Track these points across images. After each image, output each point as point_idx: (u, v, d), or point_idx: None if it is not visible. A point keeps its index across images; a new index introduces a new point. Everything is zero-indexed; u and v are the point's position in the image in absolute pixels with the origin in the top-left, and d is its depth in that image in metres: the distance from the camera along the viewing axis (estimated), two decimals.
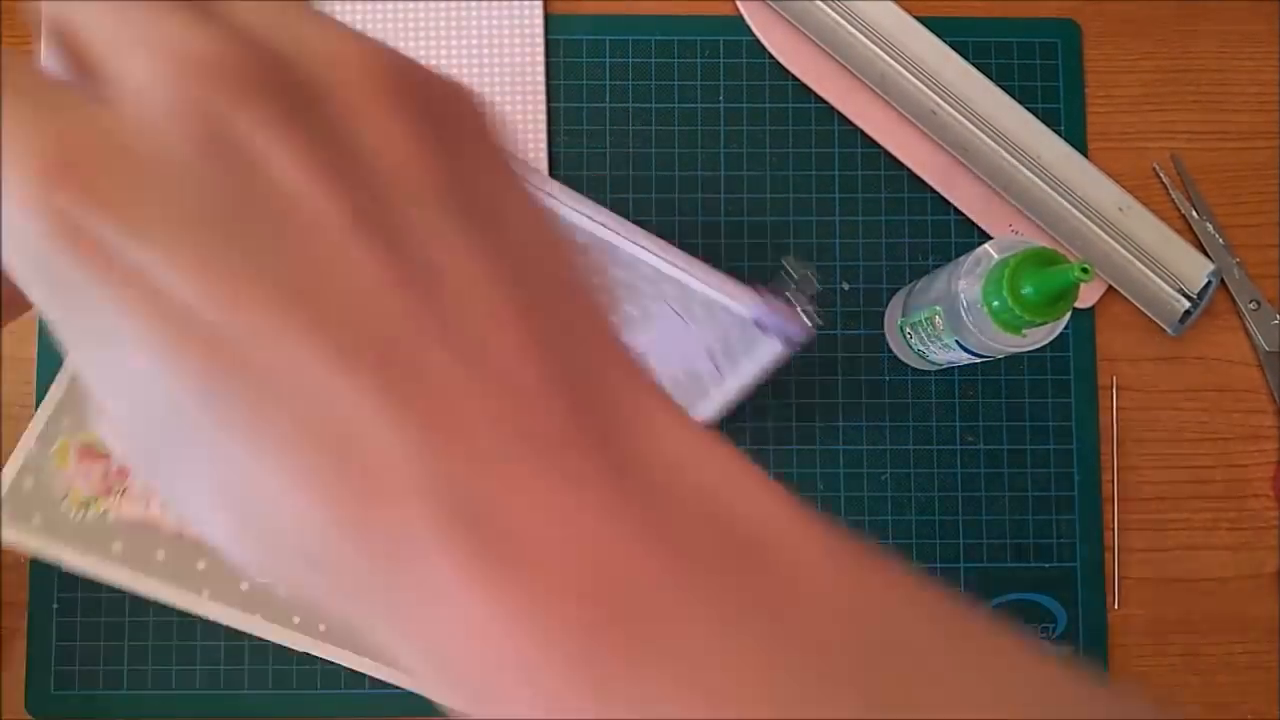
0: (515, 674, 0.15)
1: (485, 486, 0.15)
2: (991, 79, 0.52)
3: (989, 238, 0.52)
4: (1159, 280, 0.51)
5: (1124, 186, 0.51)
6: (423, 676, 0.17)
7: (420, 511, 0.15)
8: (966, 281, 0.42)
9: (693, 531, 0.16)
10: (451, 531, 0.15)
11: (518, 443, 0.16)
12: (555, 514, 0.15)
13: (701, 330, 0.42)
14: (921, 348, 0.47)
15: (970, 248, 0.52)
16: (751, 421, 0.51)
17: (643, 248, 0.40)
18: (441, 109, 0.17)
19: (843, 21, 0.52)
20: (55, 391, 0.48)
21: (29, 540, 0.47)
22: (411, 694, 0.49)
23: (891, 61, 0.52)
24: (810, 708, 0.15)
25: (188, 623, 0.48)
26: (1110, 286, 0.51)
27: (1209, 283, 0.51)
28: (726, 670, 0.15)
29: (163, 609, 0.49)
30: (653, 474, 0.17)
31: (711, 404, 0.43)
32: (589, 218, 0.41)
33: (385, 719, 0.49)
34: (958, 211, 0.52)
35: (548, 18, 0.51)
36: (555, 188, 0.41)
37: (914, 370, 0.51)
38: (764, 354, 0.41)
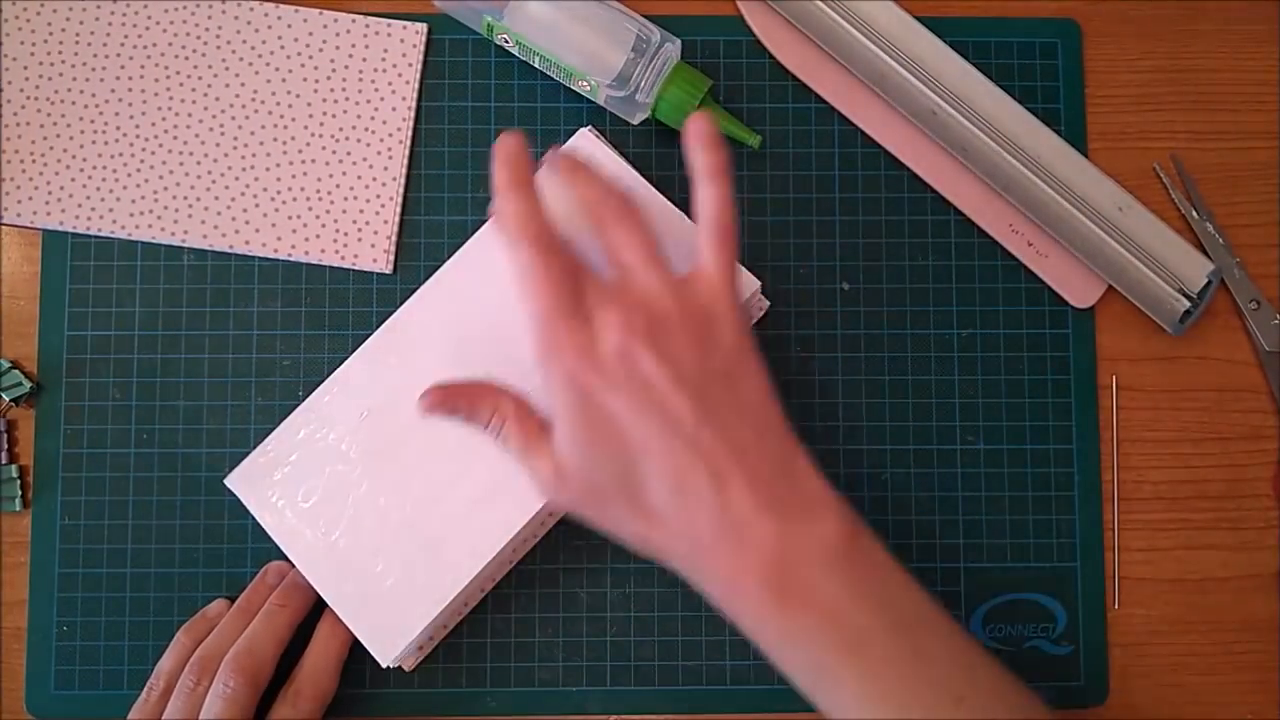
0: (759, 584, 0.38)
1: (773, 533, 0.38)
2: (991, 79, 0.52)
3: (989, 238, 0.52)
4: (1159, 280, 0.51)
5: (1124, 186, 0.51)
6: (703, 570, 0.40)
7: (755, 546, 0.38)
8: None
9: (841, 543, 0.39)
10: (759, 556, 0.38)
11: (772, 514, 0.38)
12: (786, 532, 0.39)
13: None
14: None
15: (970, 248, 0.52)
16: None
17: None
18: (714, 334, 0.40)
19: (842, 21, 0.52)
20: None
21: None
22: (403, 694, 0.49)
23: (891, 61, 0.52)
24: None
25: (186, 622, 0.48)
26: (1110, 286, 0.51)
27: (1209, 282, 0.51)
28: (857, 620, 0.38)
29: (163, 609, 0.49)
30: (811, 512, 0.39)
31: None
32: None
33: (384, 719, 0.49)
34: (958, 211, 0.52)
35: None
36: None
37: (915, 371, 0.51)
38: None
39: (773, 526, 0.38)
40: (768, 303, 0.51)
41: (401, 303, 0.47)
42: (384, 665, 0.44)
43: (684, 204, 0.49)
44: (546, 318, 0.39)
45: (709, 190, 0.41)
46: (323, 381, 0.47)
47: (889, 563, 0.40)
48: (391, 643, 0.44)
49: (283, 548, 0.45)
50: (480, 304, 0.47)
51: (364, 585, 0.45)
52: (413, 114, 0.52)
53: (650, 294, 0.40)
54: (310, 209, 0.51)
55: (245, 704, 0.44)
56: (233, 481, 0.46)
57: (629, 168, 0.48)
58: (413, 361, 0.46)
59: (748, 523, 0.38)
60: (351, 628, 0.45)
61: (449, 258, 0.50)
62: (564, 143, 0.49)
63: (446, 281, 0.47)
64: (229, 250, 0.51)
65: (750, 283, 0.47)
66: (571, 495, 0.40)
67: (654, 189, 0.47)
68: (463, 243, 0.50)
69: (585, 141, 0.49)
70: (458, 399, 0.42)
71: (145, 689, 0.46)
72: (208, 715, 0.44)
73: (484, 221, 0.52)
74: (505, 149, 0.41)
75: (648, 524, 0.39)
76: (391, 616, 0.44)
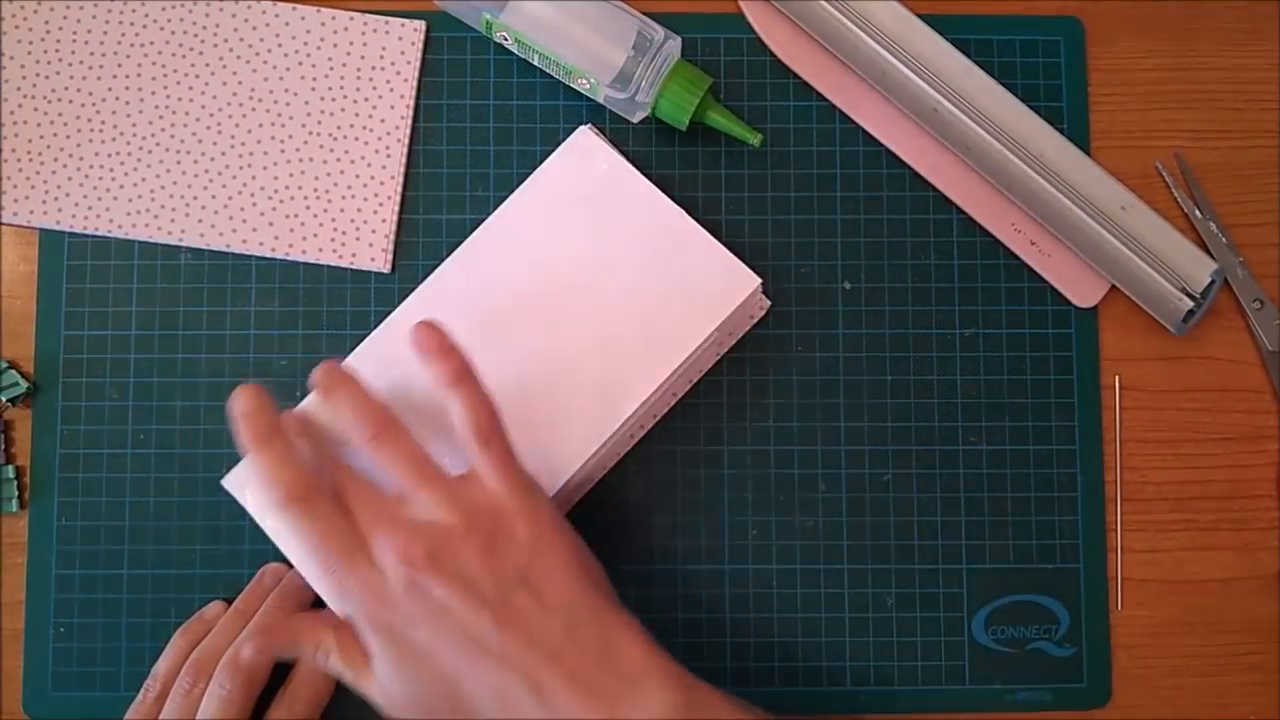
0: None
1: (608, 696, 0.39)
2: (994, 77, 0.51)
3: (991, 237, 0.52)
4: (1162, 280, 0.51)
5: (1127, 185, 0.51)
6: None
7: None
8: None
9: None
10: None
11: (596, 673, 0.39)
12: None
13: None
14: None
15: (973, 247, 0.52)
16: (752, 422, 0.50)
17: None
18: (503, 535, 0.41)
19: (844, 19, 0.52)
20: None
21: None
22: None
23: (893, 60, 0.51)
24: None
25: (183, 624, 0.48)
26: (1113, 286, 0.51)
27: (1212, 282, 0.50)
28: None
29: (160, 610, 0.49)
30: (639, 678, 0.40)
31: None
32: None
33: None
34: (960, 210, 0.52)
35: None
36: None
37: (917, 370, 0.51)
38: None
39: (610, 705, 0.38)
40: (769, 302, 0.51)
41: (400, 301, 0.47)
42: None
43: (685, 204, 0.49)
44: (330, 572, 0.40)
45: (453, 400, 0.42)
46: None
47: (727, 709, 0.41)
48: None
49: (282, 549, 0.45)
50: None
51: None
52: (411, 112, 0.52)
53: (427, 514, 0.41)
54: (308, 208, 0.51)
55: (241, 706, 0.44)
56: (230, 483, 0.46)
57: (628, 165, 0.48)
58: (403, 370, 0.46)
59: (586, 703, 0.38)
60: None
61: (447, 257, 0.50)
62: (564, 140, 0.48)
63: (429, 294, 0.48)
64: (226, 249, 0.51)
65: (750, 280, 0.47)
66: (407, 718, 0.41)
67: (653, 186, 0.47)
68: (461, 241, 0.49)
69: (584, 139, 0.48)
70: (277, 638, 0.43)
71: (141, 691, 0.46)
72: (204, 717, 0.44)
73: (483, 221, 0.52)
74: (241, 405, 0.42)
75: None
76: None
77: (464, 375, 0.42)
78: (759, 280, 0.47)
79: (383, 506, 0.41)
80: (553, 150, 0.48)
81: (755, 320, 0.51)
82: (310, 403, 0.44)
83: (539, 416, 0.46)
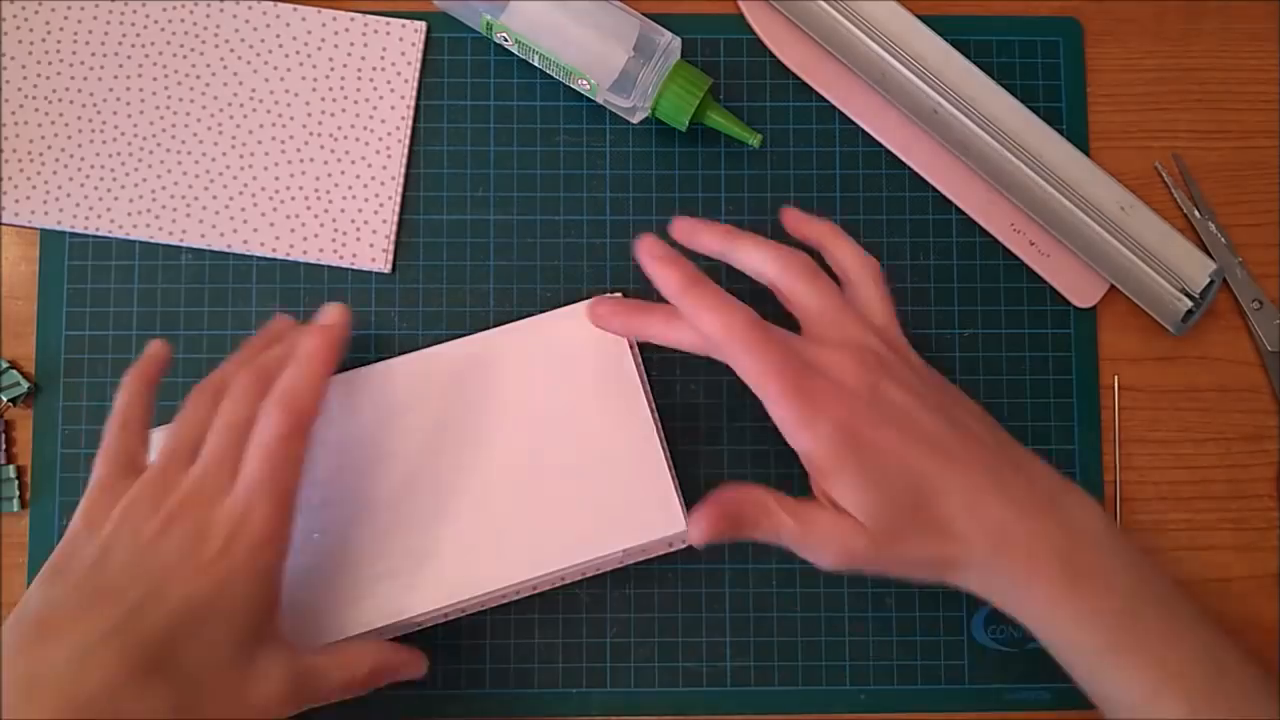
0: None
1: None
2: (993, 77, 0.51)
3: (991, 237, 0.52)
4: (1161, 280, 0.51)
5: (1126, 185, 0.51)
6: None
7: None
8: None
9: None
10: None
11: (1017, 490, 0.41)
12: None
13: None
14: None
15: (972, 247, 0.52)
16: (753, 421, 0.51)
17: None
18: (911, 357, 0.44)
19: (844, 20, 0.52)
20: None
21: None
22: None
23: (892, 60, 0.52)
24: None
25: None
26: (1112, 286, 0.51)
27: (1211, 282, 0.51)
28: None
29: None
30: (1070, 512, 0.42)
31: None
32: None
33: None
34: (959, 210, 0.52)
35: None
36: None
37: None
38: None
39: (1045, 514, 0.40)
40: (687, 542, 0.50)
41: (401, 301, 0.47)
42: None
43: (685, 205, 0.49)
44: (794, 384, 0.40)
45: (841, 247, 0.46)
46: None
47: (1131, 539, 0.43)
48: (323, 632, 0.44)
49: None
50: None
51: (340, 577, 0.45)
52: (411, 113, 0.52)
53: (861, 335, 0.42)
54: (309, 208, 0.51)
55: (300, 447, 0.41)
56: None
57: (630, 355, 0.48)
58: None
59: (1029, 513, 0.40)
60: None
61: (448, 257, 0.50)
62: (564, 137, 0.48)
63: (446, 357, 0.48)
64: (227, 250, 0.51)
65: (678, 523, 0.46)
66: (873, 543, 0.40)
67: (640, 384, 0.48)
68: (462, 241, 0.50)
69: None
70: (725, 519, 0.41)
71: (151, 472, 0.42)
72: (251, 468, 0.41)
73: (484, 221, 0.52)
74: (653, 247, 0.43)
75: (945, 542, 0.40)
76: (367, 608, 0.45)
77: (838, 231, 0.47)
78: (684, 528, 0.46)
79: (816, 336, 0.42)
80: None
81: (673, 549, 0.49)
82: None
83: (426, 540, 0.46)
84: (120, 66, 0.52)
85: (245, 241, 0.51)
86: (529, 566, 0.46)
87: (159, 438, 0.44)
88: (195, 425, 0.42)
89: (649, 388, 0.48)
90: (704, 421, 0.51)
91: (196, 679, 0.38)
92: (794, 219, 0.47)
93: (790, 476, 0.50)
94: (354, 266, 0.51)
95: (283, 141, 0.51)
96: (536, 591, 0.48)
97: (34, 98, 0.51)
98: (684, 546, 0.48)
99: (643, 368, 0.48)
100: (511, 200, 0.52)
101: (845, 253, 0.45)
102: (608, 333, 0.47)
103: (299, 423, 0.41)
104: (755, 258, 0.44)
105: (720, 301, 0.41)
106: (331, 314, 0.45)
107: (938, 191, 0.52)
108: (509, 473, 0.46)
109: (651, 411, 0.47)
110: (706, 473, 0.50)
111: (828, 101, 0.52)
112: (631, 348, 0.48)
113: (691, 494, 0.50)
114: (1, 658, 0.36)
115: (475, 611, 0.48)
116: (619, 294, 0.50)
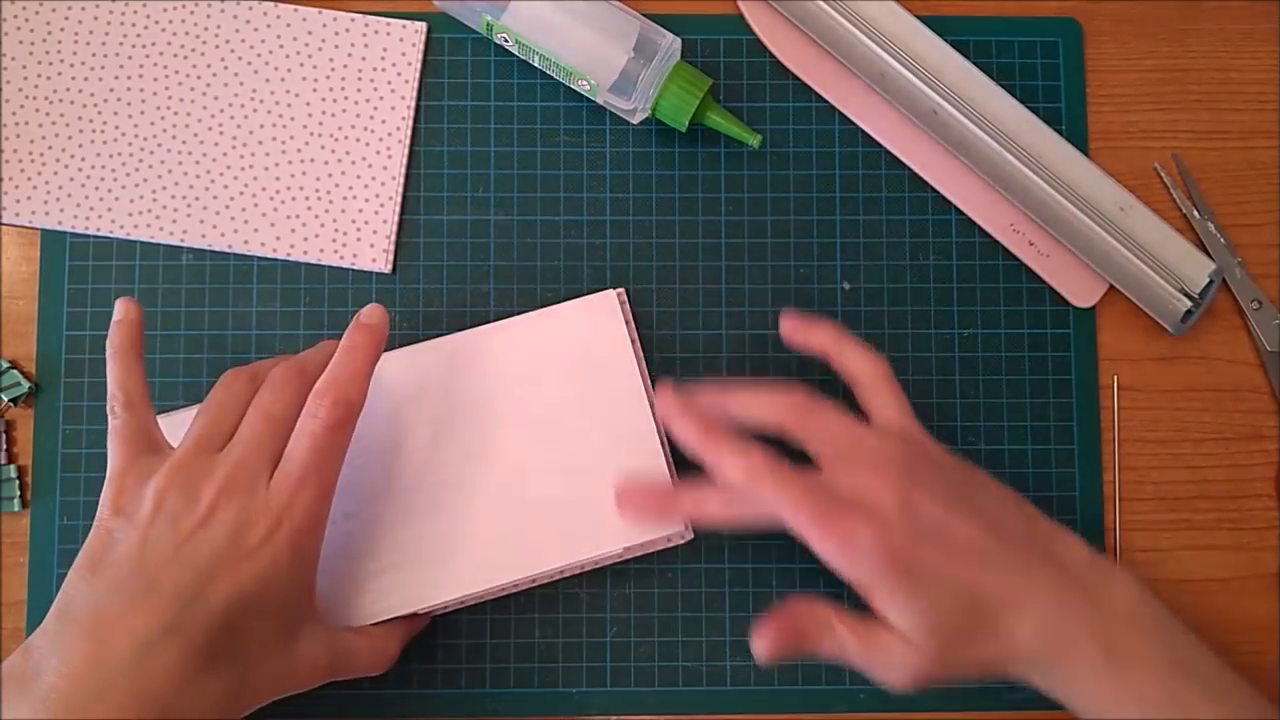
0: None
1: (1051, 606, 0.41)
2: (992, 78, 0.52)
3: (990, 237, 0.52)
4: (1160, 280, 0.51)
5: (1125, 186, 0.51)
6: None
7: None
8: None
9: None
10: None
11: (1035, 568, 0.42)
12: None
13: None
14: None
15: (971, 247, 0.52)
16: None
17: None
18: (936, 457, 0.43)
19: (843, 21, 0.52)
20: None
21: None
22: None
23: (892, 61, 0.52)
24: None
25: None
26: (1111, 286, 0.51)
27: (1210, 282, 0.51)
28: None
29: None
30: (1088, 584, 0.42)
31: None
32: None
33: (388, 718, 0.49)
34: (958, 211, 0.52)
35: None
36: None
37: (916, 371, 0.51)
38: None
39: (1087, 598, 0.41)
40: (691, 534, 0.49)
41: (401, 302, 0.47)
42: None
43: (685, 205, 0.49)
44: (825, 514, 0.40)
45: (848, 351, 0.45)
46: None
47: (1165, 609, 0.43)
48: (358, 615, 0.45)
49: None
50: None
51: (360, 565, 0.45)
52: (412, 113, 0.52)
53: (881, 449, 0.42)
54: (309, 208, 0.51)
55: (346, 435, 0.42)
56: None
57: (633, 350, 0.48)
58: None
59: (1067, 601, 0.41)
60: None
61: (448, 257, 0.50)
62: (564, 137, 0.49)
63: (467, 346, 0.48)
64: (228, 250, 0.51)
65: (676, 522, 0.47)
66: (935, 660, 0.40)
67: (642, 381, 0.48)
68: (462, 241, 0.50)
69: (608, 304, 0.49)
70: (790, 635, 0.41)
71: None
72: (298, 446, 0.41)
73: (484, 221, 0.52)
74: (668, 402, 0.43)
75: (998, 644, 0.40)
76: (371, 600, 0.45)
77: (852, 340, 0.46)
78: (682, 527, 0.47)
79: (839, 456, 0.42)
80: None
81: (671, 544, 0.49)
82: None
83: (429, 536, 0.46)
84: (120, 66, 0.52)
85: (246, 242, 0.51)
86: (526, 565, 0.46)
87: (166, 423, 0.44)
88: (227, 411, 0.43)
89: (650, 383, 0.48)
90: None
91: (249, 663, 0.40)
92: (791, 328, 0.46)
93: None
94: (354, 266, 0.51)
95: (283, 142, 0.52)
96: (535, 585, 0.48)
97: (34, 98, 0.51)
98: (684, 542, 0.48)
99: (644, 362, 0.48)
100: (511, 200, 0.52)
101: (852, 358, 0.45)
102: (608, 328, 0.47)
103: (347, 415, 0.42)
104: (750, 407, 0.43)
105: (736, 448, 0.41)
106: (373, 315, 0.45)
107: (937, 191, 0.52)
108: (509, 469, 0.47)
109: (651, 407, 0.47)
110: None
111: (827, 101, 0.52)
112: (633, 343, 0.48)
113: None
114: (57, 656, 0.37)
115: (474, 604, 0.48)
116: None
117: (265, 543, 0.39)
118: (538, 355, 0.48)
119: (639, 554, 0.48)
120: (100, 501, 0.41)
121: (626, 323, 0.49)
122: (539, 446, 0.47)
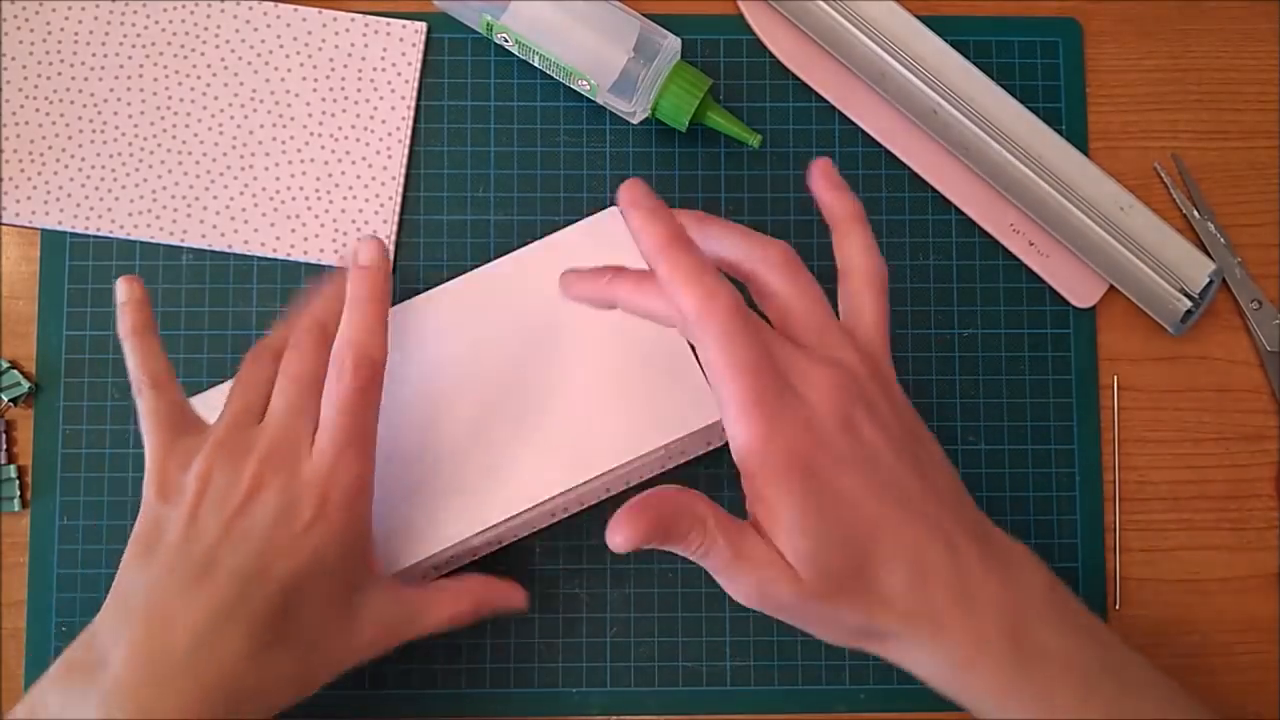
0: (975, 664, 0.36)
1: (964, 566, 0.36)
2: (992, 78, 0.52)
3: (990, 237, 0.52)
4: (1160, 280, 0.51)
5: (1125, 185, 0.51)
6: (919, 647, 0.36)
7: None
8: None
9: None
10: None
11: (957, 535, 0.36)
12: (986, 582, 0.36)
13: None
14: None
15: (971, 247, 0.52)
16: None
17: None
18: (893, 390, 0.38)
19: (843, 20, 0.52)
20: None
21: None
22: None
23: (892, 61, 0.52)
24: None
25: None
26: (1111, 286, 0.51)
27: (1210, 282, 0.51)
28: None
29: None
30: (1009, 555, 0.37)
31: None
32: None
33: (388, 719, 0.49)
34: (958, 210, 0.52)
35: None
36: None
37: (916, 371, 0.51)
38: None
39: (997, 588, 0.35)
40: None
41: (401, 302, 0.47)
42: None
43: (685, 205, 0.49)
44: (759, 397, 0.34)
45: (854, 237, 0.40)
46: None
47: (1078, 601, 0.38)
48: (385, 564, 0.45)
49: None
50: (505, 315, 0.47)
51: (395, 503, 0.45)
52: (412, 113, 0.52)
53: (843, 353, 0.37)
54: (309, 208, 0.51)
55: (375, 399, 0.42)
56: None
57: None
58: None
59: (979, 587, 0.35)
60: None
61: (448, 257, 0.50)
62: (564, 137, 0.49)
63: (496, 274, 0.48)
64: (228, 250, 0.51)
65: (714, 412, 0.45)
66: (800, 596, 0.35)
67: None
68: (462, 241, 0.50)
69: (612, 221, 0.48)
70: (653, 524, 0.35)
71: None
72: (331, 413, 0.41)
73: (484, 221, 0.52)
74: (636, 193, 0.36)
75: (874, 610, 0.35)
76: (431, 528, 0.45)
77: (863, 217, 0.40)
78: (719, 417, 0.45)
79: (803, 339, 0.37)
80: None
81: (712, 447, 0.49)
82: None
83: (470, 465, 0.46)
84: (120, 66, 0.52)
85: (246, 242, 0.51)
86: (572, 476, 0.45)
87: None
88: (258, 384, 0.42)
89: None
90: None
91: (309, 639, 0.39)
92: (823, 176, 0.40)
93: None
94: None
95: (283, 142, 0.52)
96: (583, 507, 0.49)
97: (34, 98, 0.51)
98: (722, 444, 0.48)
99: None
100: (511, 200, 0.52)
101: (857, 244, 0.40)
102: (619, 242, 0.43)
103: (371, 372, 0.42)
104: (726, 242, 0.38)
105: (702, 273, 0.34)
106: (371, 252, 0.44)
107: (937, 192, 0.52)
108: (543, 390, 0.46)
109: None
110: (706, 471, 0.50)
111: (827, 101, 0.52)
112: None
113: None
114: (119, 647, 0.37)
115: (524, 535, 0.49)
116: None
117: (318, 518, 0.39)
118: (555, 280, 0.48)
119: (680, 460, 0.49)
120: (144, 485, 0.41)
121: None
122: (570, 360, 0.47)
